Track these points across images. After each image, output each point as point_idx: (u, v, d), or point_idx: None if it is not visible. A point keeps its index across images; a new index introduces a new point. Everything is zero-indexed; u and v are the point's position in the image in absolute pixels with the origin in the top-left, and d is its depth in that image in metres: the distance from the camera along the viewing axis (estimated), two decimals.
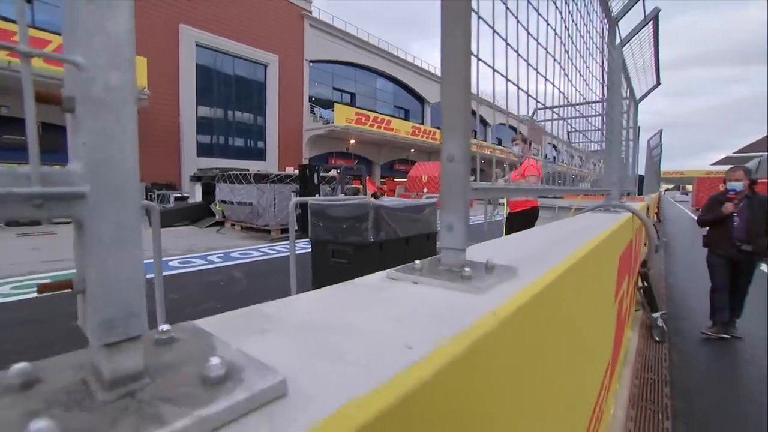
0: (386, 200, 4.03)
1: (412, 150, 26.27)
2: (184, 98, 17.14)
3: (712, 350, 3.20)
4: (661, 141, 9.54)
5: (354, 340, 0.40)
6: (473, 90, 0.66)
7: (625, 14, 2.74)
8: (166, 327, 0.34)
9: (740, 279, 3.48)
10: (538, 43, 1.12)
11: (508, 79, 0.87)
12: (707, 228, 3.68)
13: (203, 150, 18.37)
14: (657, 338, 3.27)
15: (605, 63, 2.82)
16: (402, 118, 26.10)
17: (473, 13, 0.66)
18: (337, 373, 0.33)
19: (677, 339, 3.38)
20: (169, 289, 3.16)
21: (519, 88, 0.93)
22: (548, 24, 1.26)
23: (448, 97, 0.65)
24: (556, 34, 1.40)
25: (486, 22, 0.73)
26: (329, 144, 22.77)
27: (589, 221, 2.03)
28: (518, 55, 0.89)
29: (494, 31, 0.79)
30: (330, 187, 9.70)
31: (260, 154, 20.75)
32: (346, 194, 9.42)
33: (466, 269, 0.58)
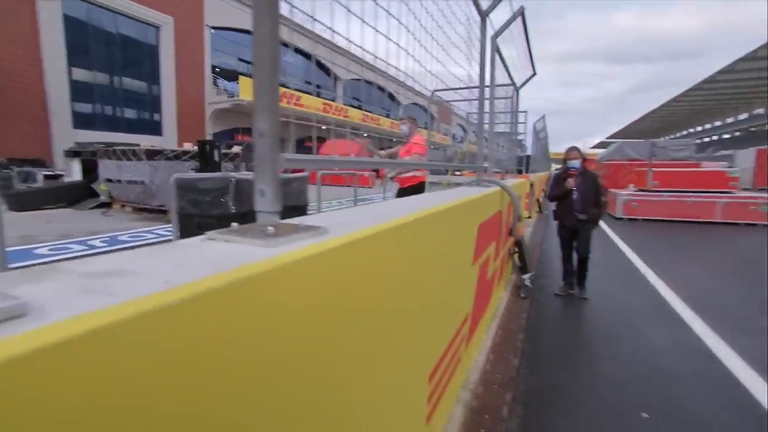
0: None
1: (323, 127, 25.75)
2: (49, 56, 14.45)
3: (563, 305, 3.84)
4: (545, 125, 10.85)
5: (129, 281, 0.48)
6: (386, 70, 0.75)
7: (493, 9, 3.05)
8: None
9: (581, 245, 3.97)
10: (408, 31, 1.26)
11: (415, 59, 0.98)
12: (556, 203, 4.13)
13: (82, 121, 15.90)
14: (522, 295, 3.86)
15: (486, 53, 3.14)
16: (313, 95, 25.45)
17: (285, 2, 0.75)
18: (90, 301, 0.41)
19: (539, 295, 4.00)
20: None
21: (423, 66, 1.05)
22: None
23: (258, 82, 0.74)
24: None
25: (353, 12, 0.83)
26: (235, 119, 21.32)
27: (452, 194, 2.31)
28: (389, 40, 1.01)
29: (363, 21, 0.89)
30: (233, 164, 9.20)
31: (155, 128, 18.63)
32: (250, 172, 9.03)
33: (270, 228, 0.69)
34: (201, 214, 2.77)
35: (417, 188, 3.77)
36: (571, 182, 3.88)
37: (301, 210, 3.58)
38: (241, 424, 0.54)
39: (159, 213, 8.47)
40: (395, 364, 1.23)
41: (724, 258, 5.98)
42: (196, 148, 9.08)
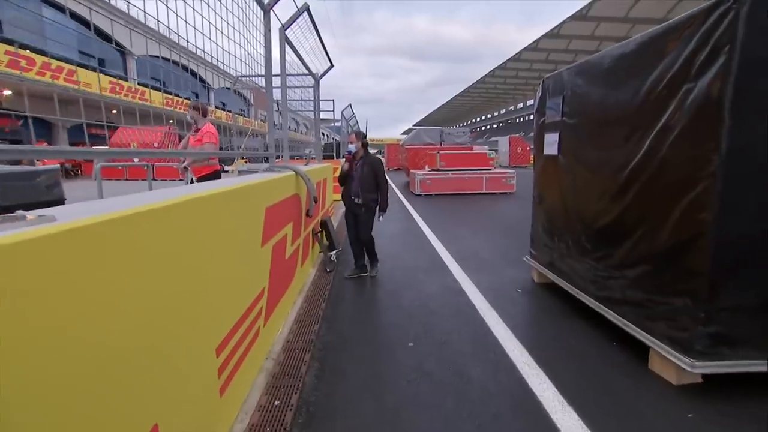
0: None
1: (113, 111, 21.34)
2: None
3: (358, 281, 4.08)
4: (353, 112, 11.77)
5: None
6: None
7: (275, 3, 3.15)
8: None
9: (360, 230, 4.01)
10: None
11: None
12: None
13: None
14: (328, 270, 4.24)
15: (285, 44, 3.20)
16: (93, 69, 20.59)
17: None
18: None
19: (343, 268, 4.42)
20: None
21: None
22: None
23: None
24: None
25: None
26: None
27: (236, 180, 2.38)
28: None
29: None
30: None
31: None
32: None
33: None
34: None
35: (212, 177, 3.64)
36: (345, 166, 4.00)
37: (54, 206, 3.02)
38: None
39: None
40: (174, 342, 1.27)
41: (486, 222, 7.87)
42: None
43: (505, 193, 12.14)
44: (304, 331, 2.82)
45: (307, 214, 3.50)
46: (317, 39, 4.64)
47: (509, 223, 7.21)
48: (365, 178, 3.90)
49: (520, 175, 13.10)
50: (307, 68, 5.25)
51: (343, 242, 5.31)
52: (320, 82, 6.08)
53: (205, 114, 3.70)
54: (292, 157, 10.63)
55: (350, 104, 10.80)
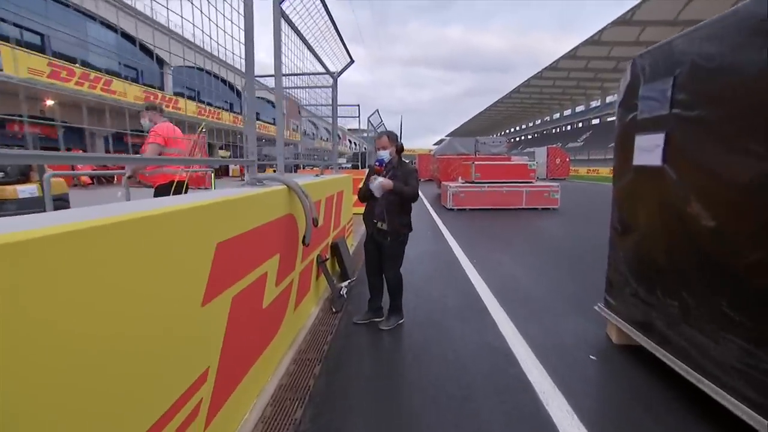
0: None
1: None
2: None
3: (370, 330, 3.03)
4: (381, 119, 10.88)
5: None
6: None
7: None
8: None
9: (384, 263, 3.02)
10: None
11: None
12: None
13: None
14: (334, 309, 3.33)
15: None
16: (134, 80, 21.03)
17: None
18: None
19: (354, 308, 3.46)
20: None
21: None
22: None
23: None
24: None
25: None
26: (5, 103, 15.94)
27: (177, 200, 1.53)
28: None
29: None
30: None
31: None
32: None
33: None
34: None
35: (169, 189, 2.83)
36: (372, 180, 2.89)
37: None
38: None
39: None
40: None
41: (530, 244, 6.70)
42: None
43: (548, 208, 10.86)
44: (279, 423, 1.91)
45: (303, 242, 2.61)
46: (332, 29, 3.81)
47: (559, 248, 6.05)
48: (392, 194, 2.85)
49: (563, 189, 11.77)
50: (323, 64, 4.45)
51: (359, 270, 4.38)
52: (339, 82, 5.27)
53: (162, 112, 2.98)
54: (305, 167, 9.93)
55: (377, 110, 9.94)
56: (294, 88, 5.41)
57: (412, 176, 2.92)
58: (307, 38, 3.80)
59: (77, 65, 17.94)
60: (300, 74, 4.46)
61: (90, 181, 18.80)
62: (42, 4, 18.33)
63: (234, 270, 1.78)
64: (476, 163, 11.19)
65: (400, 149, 3.02)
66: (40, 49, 18.00)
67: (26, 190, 7.81)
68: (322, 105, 5.63)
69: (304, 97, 5.37)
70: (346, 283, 3.82)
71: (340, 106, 7.45)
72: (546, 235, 7.28)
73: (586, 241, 6.44)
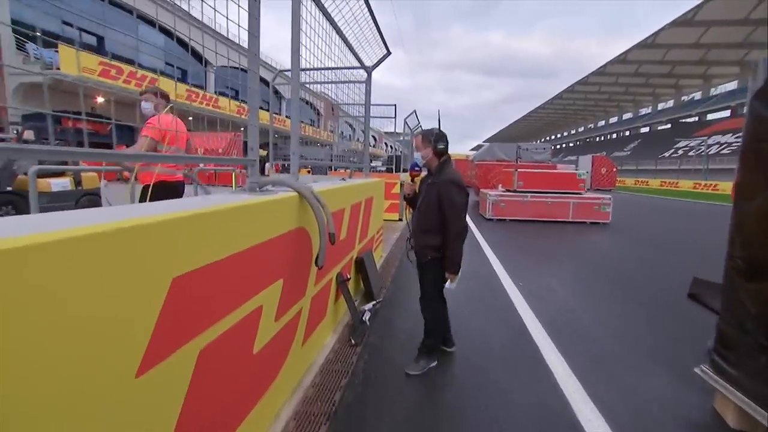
0: None
1: (189, 118, 22.26)
2: None
3: (393, 380, 2.38)
4: (418, 120, 10.25)
5: None
6: None
7: None
8: None
9: (422, 289, 2.54)
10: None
11: None
12: None
13: None
14: (353, 341, 2.77)
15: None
16: (179, 79, 21.73)
17: None
18: None
19: (377, 338, 2.91)
20: None
21: None
22: None
23: None
24: None
25: None
26: (63, 99, 16.74)
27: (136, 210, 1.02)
28: None
29: None
30: None
31: None
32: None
33: None
34: None
35: (161, 192, 2.38)
36: (406, 188, 2.62)
37: None
38: None
39: None
40: None
41: (585, 266, 5.87)
42: None
43: (597, 222, 9.84)
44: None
45: (316, 264, 2.08)
46: (367, 15, 3.30)
47: (619, 273, 5.20)
48: (427, 209, 2.37)
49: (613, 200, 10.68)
50: (356, 55, 3.94)
51: (388, 288, 3.79)
52: (376, 85, 4.75)
53: (167, 99, 2.57)
54: (337, 168, 9.48)
55: (414, 111, 9.35)
56: (324, 83, 4.97)
57: (448, 192, 2.30)
58: (339, 25, 3.30)
59: (126, 64, 18.57)
60: (330, 68, 3.99)
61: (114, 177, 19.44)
62: (98, 7, 19.21)
63: (203, 312, 1.26)
64: (519, 170, 10.35)
65: (439, 153, 2.43)
66: (96, 50, 18.87)
67: (59, 184, 7.90)
68: (356, 104, 5.14)
69: (337, 94, 4.93)
70: (369, 305, 3.26)
71: (375, 105, 6.95)
72: (600, 255, 6.39)
73: (653, 268, 5.52)
